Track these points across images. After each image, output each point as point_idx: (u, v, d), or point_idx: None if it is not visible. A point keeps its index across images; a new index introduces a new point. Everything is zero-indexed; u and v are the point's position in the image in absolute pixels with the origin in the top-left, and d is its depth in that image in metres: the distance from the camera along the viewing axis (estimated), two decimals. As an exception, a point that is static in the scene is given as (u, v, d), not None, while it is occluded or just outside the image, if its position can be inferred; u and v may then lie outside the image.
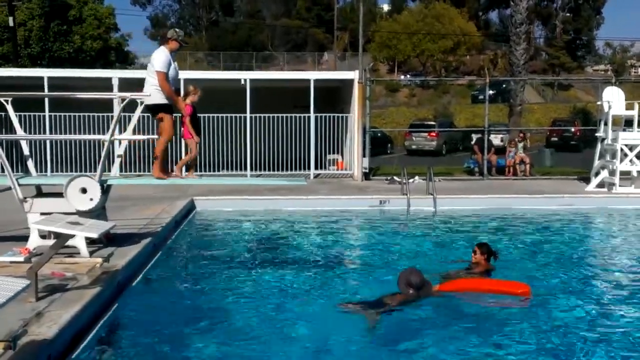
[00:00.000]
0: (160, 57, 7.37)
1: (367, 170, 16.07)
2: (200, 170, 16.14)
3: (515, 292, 6.28)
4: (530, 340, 5.29)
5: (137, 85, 15.71)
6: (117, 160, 8.35)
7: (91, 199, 7.10)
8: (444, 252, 8.64)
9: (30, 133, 13.35)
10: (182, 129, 7.81)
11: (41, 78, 15.53)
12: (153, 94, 7.38)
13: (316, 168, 16.64)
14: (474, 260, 6.95)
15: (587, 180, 14.56)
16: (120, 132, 10.95)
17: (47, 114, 15.28)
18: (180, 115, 7.96)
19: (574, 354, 5.00)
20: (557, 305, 6.23)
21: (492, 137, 18.96)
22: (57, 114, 15.24)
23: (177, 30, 7.70)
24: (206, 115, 15.84)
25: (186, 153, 7.93)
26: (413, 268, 6.17)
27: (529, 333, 5.45)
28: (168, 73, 7.42)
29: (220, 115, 15.68)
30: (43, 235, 6.81)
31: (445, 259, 8.06)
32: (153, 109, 7.57)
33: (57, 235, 5.81)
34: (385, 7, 68.33)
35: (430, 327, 5.56)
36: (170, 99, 7.48)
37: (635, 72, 56.84)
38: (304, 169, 16.44)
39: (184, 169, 9.02)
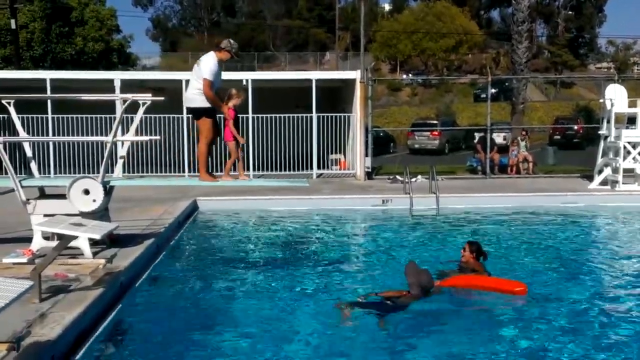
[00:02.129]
0: (209, 64, 7.36)
1: (369, 170, 16.07)
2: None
3: (512, 291, 6.29)
4: (531, 337, 5.29)
5: (139, 86, 15.77)
6: (120, 162, 8.36)
7: (94, 200, 7.10)
8: (445, 251, 8.62)
9: (33, 135, 13.38)
10: (224, 131, 7.78)
11: (43, 80, 15.57)
12: (196, 97, 7.38)
13: (319, 168, 16.64)
14: (463, 257, 6.96)
15: (590, 178, 14.53)
16: (122, 134, 10.97)
17: (49, 115, 15.32)
18: (222, 116, 7.92)
19: (581, 349, 5.00)
20: (559, 303, 6.24)
21: (494, 135, 18.92)
22: (60, 115, 15.27)
23: (232, 41, 7.70)
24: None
25: (229, 156, 7.92)
26: (424, 269, 6.14)
27: (531, 330, 5.45)
28: (213, 82, 7.41)
29: (221, 116, 15.65)
30: (46, 237, 6.82)
31: (442, 257, 8.01)
32: (196, 112, 7.56)
33: (60, 237, 5.82)
34: (387, 7, 68.34)
35: (436, 324, 5.57)
36: (213, 105, 7.47)
37: (638, 70, 56.64)
38: (307, 168, 16.44)
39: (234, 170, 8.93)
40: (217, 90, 7.53)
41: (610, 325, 5.66)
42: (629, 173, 13.67)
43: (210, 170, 7.99)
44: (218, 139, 8.07)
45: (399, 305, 5.79)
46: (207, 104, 7.41)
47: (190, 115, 9.27)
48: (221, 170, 9.10)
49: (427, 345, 5.12)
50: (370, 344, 5.19)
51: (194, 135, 15.75)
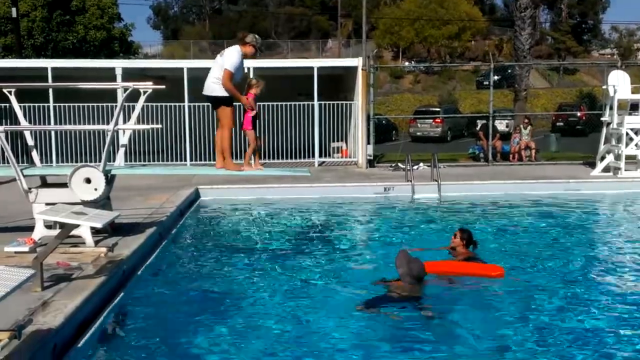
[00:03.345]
0: (234, 57, 7.38)
1: (371, 158, 16.05)
2: (206, 160, 16.20)
3: (490, 275, 6.38)
4: (531, 323, 5.31)
5: (140, 75, 15.73)
6: (121, 150, 8.37)
7: (95, 189, 7.11)
8: (447, 238, 8.60)
9: (34, 124, 13.38)
10: (243, 120, 7.78)
11: (45, 69, 15.54)
12: (215, 86, 7.39)
13: (320, 156, 16.62)
14: (453, 244, 6.97)
15: (592, 165, 14.49)
16: (124, 122, 10.96)
17: (51, 104, 15.30)
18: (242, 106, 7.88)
19: (583, 337, 5.02)
20: (561, 289, 6.25)
21: (497, 122, 18.87)
22: (61, 104, 15.26)
23: (257, 37, 7.71)
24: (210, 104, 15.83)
25: (248, 144, 7.92)
26: (415, 258, 6.08)
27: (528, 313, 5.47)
28: (234, 74, 7.40)
29: (239, 105, 15.62)
30: (48, 226, 6.84)
31: (435, 245, 7.99)
32: (215, 101, 7.57)
33: (62, 225, 5.84)
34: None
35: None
36: (231, 95, 7.46)
37: (641, 56, 56.31)
38: (309, 156, 16.43)
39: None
40: (238, 83, 7.52)
41: (607, 307, 5.71)
42: (631, 160, 13.63)
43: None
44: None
45: (407, 298, 5.77)
46: (225, 93, 7.41)
47: (208, 104, 9.22)
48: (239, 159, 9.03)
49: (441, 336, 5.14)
50: (378, 336, 5.20)
51: (196, 124, 15.80)
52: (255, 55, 7.72)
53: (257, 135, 7.98)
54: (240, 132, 8.08)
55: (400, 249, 6.22)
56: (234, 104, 7.75)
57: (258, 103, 8.05)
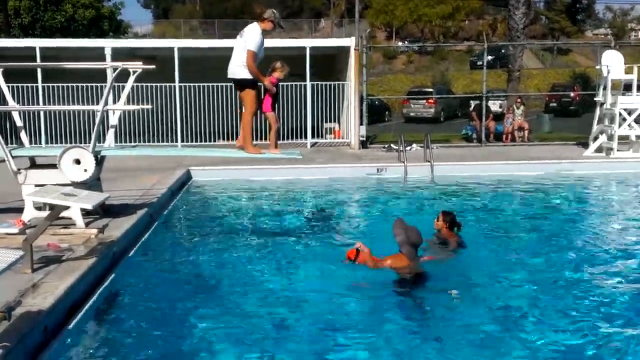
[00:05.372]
0: (254, 36, 7.27)
1: (364, 139, 16.00)
2: (197, 141, 16.10)
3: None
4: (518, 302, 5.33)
5: (130, 54, 15.53)
6: (111, 131, 8.29)
7: (85, 170, 7.05)
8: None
9: (22, 104, 13.22)
10: (263, 102, 7.65)
11: (33, 48, 15.31)
12: (240, 69, 7.26)
13: (313, 137, 16.55)
14: (436, 226, 6.96)
15: (585, 146, 14.50)
16: (114, 103, 10.85)
17: (39, 84, 15.11)
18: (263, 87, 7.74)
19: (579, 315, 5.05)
20: (553, 268, 6.28)
21: (490, 103, 18.82)
22: (50, 84, 15.07)
23: (275, 11, 7.58)
24: (201, 84, 15.72)
25: (269, 127, 7.81)
26: (412, 226, 6.00)
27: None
28: (257, 53, 7.29)
29: (215, 84, 15.52)
30: (38, 207, 6.79)
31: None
32: (240, 84, 7.45)
33: (52, 207, 5.78)
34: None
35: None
36: (255, 76, 7.35)
37: (635, 36, 56.22)
38: (301, 137, 16.35)
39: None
40: (259, 60, 7.42)
41: (600, 286, 5.75)
42: (624, 140, 13.65)
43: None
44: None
45: (417, 276, 5.76)
46: (249, 75, 7.31)
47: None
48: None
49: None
50: (364, 315, 5.20)
51: (187, 105, 15.66)
52: (274, 30, 7.60)
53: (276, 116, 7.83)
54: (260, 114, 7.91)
55: (397, 218, 6.18)
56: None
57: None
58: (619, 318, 5.00)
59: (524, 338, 4.63)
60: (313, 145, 16.38)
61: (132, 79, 7.64)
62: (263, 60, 7.55)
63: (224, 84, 15.37)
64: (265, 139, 8.83)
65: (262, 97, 7.62)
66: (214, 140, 16.10)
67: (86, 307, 4.98)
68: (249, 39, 7.27)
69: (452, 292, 5.46)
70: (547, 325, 4.85)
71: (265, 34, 7.47)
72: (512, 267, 6.42)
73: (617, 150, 13.46)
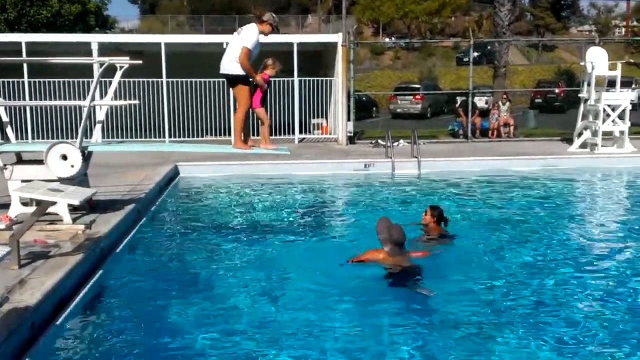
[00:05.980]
0: (252, 35, 7.26)
1: (351, 134, 16.05)
2: (185, 137, 16.04)
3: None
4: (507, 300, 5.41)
5: (116, 50, 15.44)
6: (98, 126, 8.25)
7: (72, 166, 7.01)
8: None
9: (8, 99, 13.11)
10: (252, 99, 7.64)
11: (18, 43, 15.17)
12: (233, 65, 7.25)
13: (300, 132, 16.57)
14: (423, 221, 7.02)
15: (570, 141, 14.65)
16: (101, 98, 10.79)
17: (25, 79, 14.99)
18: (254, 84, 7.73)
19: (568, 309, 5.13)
20: (539, 264, 6.37)
21: (476, 99, 18.96)
22: (36, 80, 14.95)
23: (274, 15, 7.56)
24: (189, 80, 15.66)
25: (261, 123, 7.79)
26: (396, 224, 6.04)
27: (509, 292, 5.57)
28: (252, 51, 7.28)
29: (202, 80, 15.49)
30: (25, 203, 6.74)
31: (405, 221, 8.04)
32: (233, 80, 7.44)
33: (39, 203, 5.76)
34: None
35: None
36: (247, 73, 7.36)
37: (619, 33, 56.76)
38: (289, 133, 16.36)
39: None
40: (253, 60, 7.41)
41: (584, 282, 5.83)
42: (608, 136, 13.81)
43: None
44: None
45: (410, 269, 5.80)
46: (242, 72, 7.31)
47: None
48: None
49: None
50: (358, 309, 5.24)
51: (174, 100, 15.61)
52: (272, 33, 7.60)
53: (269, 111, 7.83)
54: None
55: (381, 217, 6.21)
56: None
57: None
58: (607, 309, 5.10)
59: (511, 330, 4.70)
60: (301, 140, 16.40)
61: (119, 74, 7.62)
62: (255, 58, 7.54)
63: (211, 80, 15.34)
64: (257, 134, 8.82)
65: (253, 93, 7.62)
66: (202, 136, 16.06)
67: (74, 303, 4.98)
68: (246, 36, 7.29)
69: (423, 290, 5.45)
70: (534, 319, 4.92)
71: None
72: (498, 260, 6.49)
73: (602, 146, 13.63)
